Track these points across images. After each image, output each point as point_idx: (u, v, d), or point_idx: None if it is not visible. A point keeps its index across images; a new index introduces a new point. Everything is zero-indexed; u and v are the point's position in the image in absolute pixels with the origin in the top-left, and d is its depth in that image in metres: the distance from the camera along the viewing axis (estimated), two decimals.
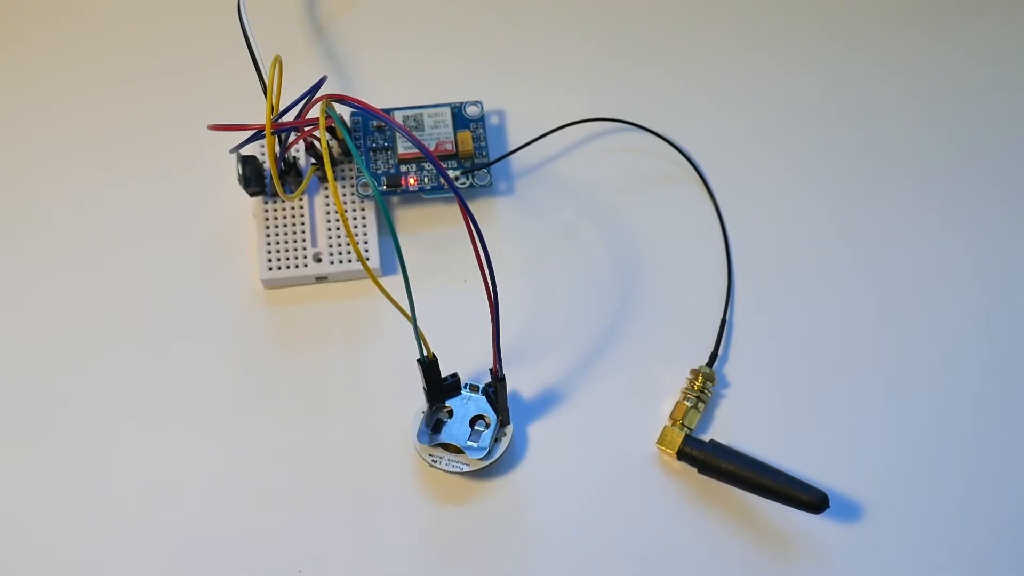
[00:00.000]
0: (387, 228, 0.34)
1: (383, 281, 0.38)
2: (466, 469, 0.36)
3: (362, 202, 0.41)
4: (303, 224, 0.40)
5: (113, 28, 0.45)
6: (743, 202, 0.42)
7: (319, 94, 0.34)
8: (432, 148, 0.41)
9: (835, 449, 0.38)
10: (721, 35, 0.46)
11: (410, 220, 0.42)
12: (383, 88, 0.44)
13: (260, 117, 0.34)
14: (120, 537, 0.36)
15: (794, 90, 0.45)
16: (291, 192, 0.39)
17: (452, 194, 0.38)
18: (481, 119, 0.42)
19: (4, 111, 0.43)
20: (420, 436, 0.37)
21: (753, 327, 0.40)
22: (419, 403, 0.37)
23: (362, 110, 0.33)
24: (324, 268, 0.39)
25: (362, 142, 0.41)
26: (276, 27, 0.45)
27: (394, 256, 0.32)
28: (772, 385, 0.39)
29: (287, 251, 0.40)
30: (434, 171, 0.41)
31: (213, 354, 0.39)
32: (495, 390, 0.36)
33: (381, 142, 0.41)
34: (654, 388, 0.39)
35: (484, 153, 0.42)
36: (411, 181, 0.41)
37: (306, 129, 0.36)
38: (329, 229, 0.40)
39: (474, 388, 0.37)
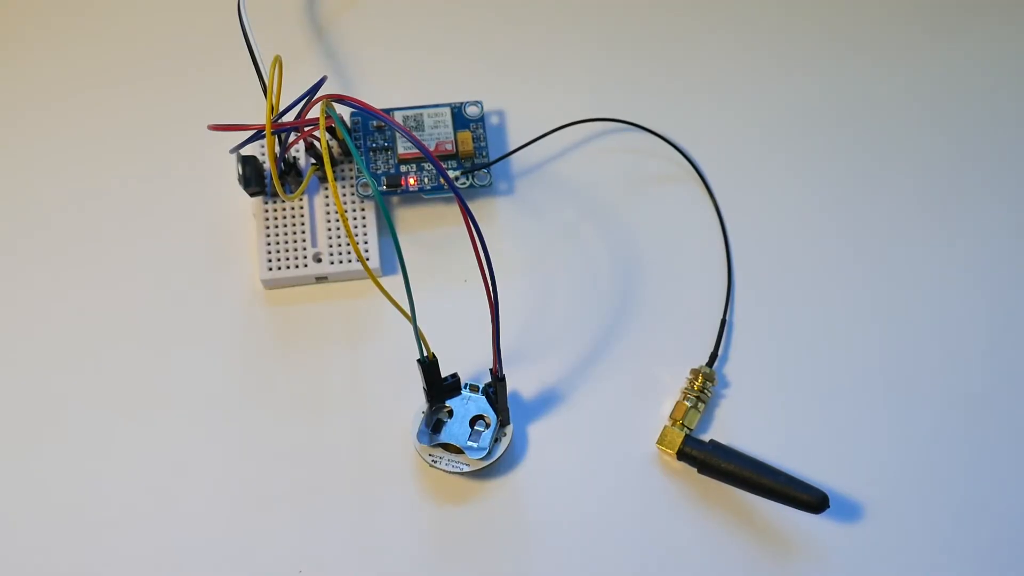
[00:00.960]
0: (387, 228, 0.34)
1: (383, 281, 0.38)
2: (466, 469, 0.36)
3: (362, 202, 0.41)
4: (303, 224, 0.40)
5: (113, 28, 0.45)
6: (743, 202, 0.42)
7: (319, 94, 0.34)
8: (432, 148, 0.41)
9: (835, 449, 0.38)
10: (721, 35, 0.46)
11: (410, 220, 0.42)
12: (383, 88, 0.44)
13: (260, 117, 0.34)
14: (120, 537, 0.36)
15: (794, 90, 0.45)
16: (291, 192, 0.39)
17: (452, 194, 0.38)
18: (481, 119, 0.42)
19: (4, 111, 0.43)
20: (420, 436, 0.37)
21: (753, 327, 0.40)
22: (419, 403, 0.37)
23: (362, 110, 0.33)
24: (324, 268, 0.39)
25: (362, 142, 0.41)
26: (276, 27, 0.45)
27: (394, 256, 0.32)
28: (772, 385, 0.39)
29: (287, 251, 0.40)
30: (434, 171, 0.41)
31: (213, 354, 0.39)
32: (495, 390, 0.36)
33: (381, 142, 0.41)
34: (654, 388, 0.39)
35: (484, 153, 0.42)
36: (411, 181, 0.41)
37: (306, 129, 0.36)
38: (329, 229, 0.40)
39: (474, 388, 0.37)
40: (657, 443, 0.37)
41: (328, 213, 0.40)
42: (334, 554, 0.36)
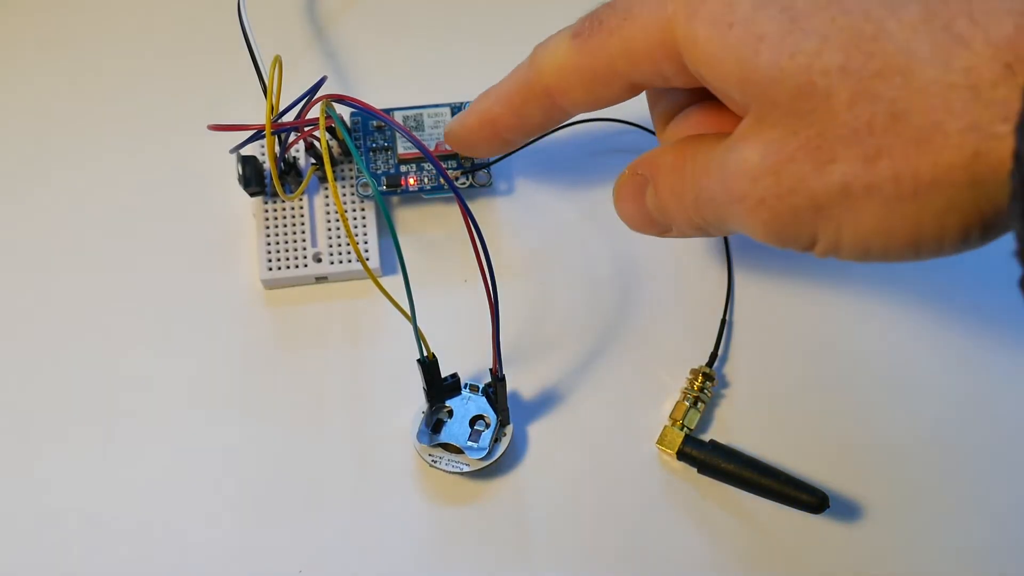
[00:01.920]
0: (387, 228, 0.34)
1: (383, 281, 0.38)
2: (466, 469, 0.36)
3: (362, 202, 0.41)
4: (303, 224, 0.40)
5: (112, 28, 0.45)
6: None
7: (319, 94, 0.34)
8: (432, 148, 0.41)
9: (835, 449, 0.38)
10: None
11: (410, 220, 0.42)
12: (383, 88, 0.44)
13: (260, 117, 0.34)
14: (119, 538, 0.36)
15: None
16: (291, 192, 0.39)
17: (452, 194, 0.38)
18: None
19: (3, 111, 0.43)
20: (420, 436, 0.37)
21: (753, 327, 0.40)
22: (419, 403, 0.37)
23: (362, 110, 0.34)
24: (324, 268, 0.40)
25: (362, 142, 0.41)
26: (276, 27, 0.45)
27: (394, 256, 0.32)
28: (772, 385, 0.39)
29: (287, 251, 0.40)
30: (434, 171, 0.41)
31: (212, 354, 0.39)
32: (495, 390, 0.36)
33: (381, 142, 0.41)
34: (654, 388, 0.39)
35: None
36: (411, 181, 0.41)
37: (306, 129, 0.36)
38: (329, 229, 0.40)
39: (474, 388, 0.37)
40: (657, 443, 0.37)
41: (328, 213, 0.40)
42: (334, 554, 0.36)
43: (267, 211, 0.40)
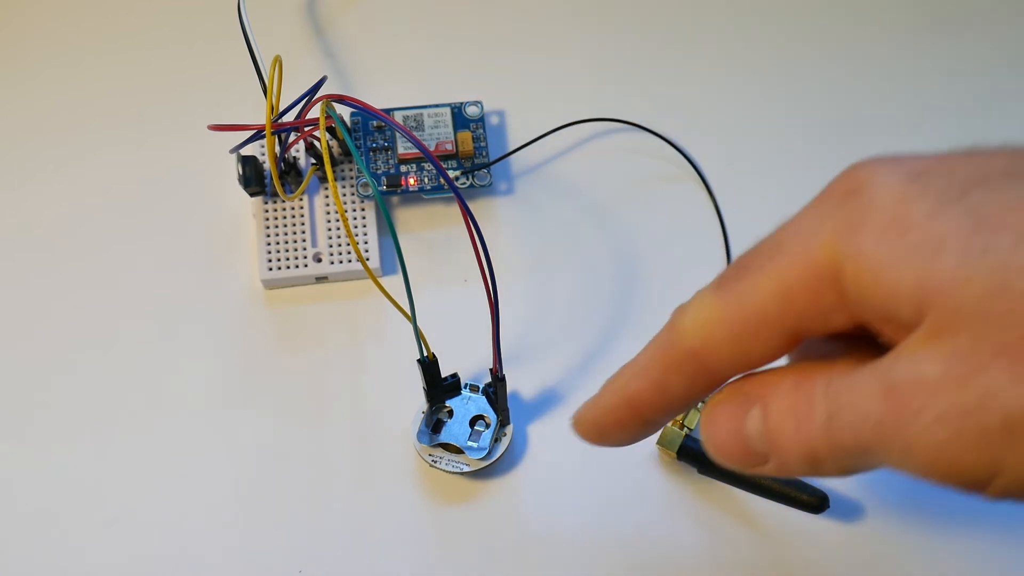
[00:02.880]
0: (387, 228, 0.34)
1: (383, 281, 0.38)
2: (466, 469, 0.36)
3: (362, 202, 0.41)
4: (303, 224, 0.40)
5: (112, 28, 0.45)
6: (743, 202, 0.42)
7: (319, 94, 0.34)
8: (432, 148, 0.41)
9: None
10: (722, 35, 0.46)
11: (410, 220, 0.42)
12: (383, 88, 0.44)
13: (260, 117, 0.34)
14: (119, 537, 0.36)
15: (795, 90, 0.45)
16: (291, 192, 0.39)
17: (452, 194, 0.38)
18: (481, 119, 0.42)
19: (3, 111, 0.43)
20: (420, 436, 0.37)
21: None
22: (419, 403, 0.37)
23: (362, 110, 0.34)
24: (324, 268, 0.40)
25: (362, 142, 0.41)
26: (276, 27, 0.45)
27: (394, 256, 0.32)
28: None
29: (287, 251, 0.40)
30: (434, 171, 0.41)
31: (213, 354, 0.39)
32: (495, 390, 0.36)
33: (381, 142, 0.41)
34: None
35: (484, 153, 0.42)
36: (411, 181, 0.41)
37: (306, 129, 0.36)
38: (329, 229, 0.40)
39: (474, 388, 0.37)
40: (657, 443, 0.37)
41: (328, 213, 0.40)
42: (334, 554, 0.36)
43: (267, 211, 0.40)
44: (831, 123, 0.44)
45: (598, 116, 0.43)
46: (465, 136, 0.41)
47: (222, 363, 0.39)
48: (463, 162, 0.41)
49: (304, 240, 0.40)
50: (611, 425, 0.28)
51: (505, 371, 0.35)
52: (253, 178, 0.39)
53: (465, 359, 0.38)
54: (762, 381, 0.25)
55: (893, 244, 0.20)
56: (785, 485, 0.36)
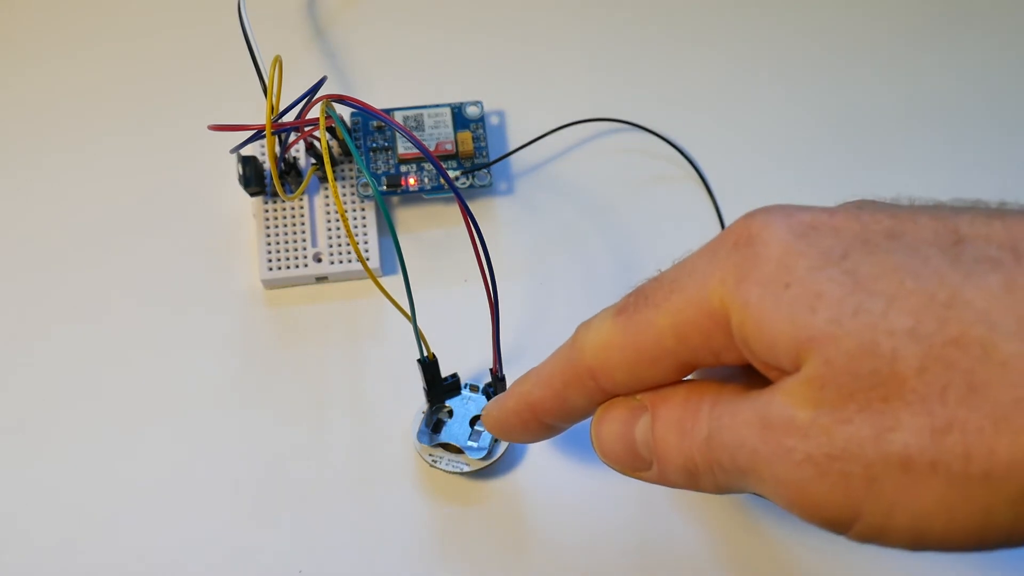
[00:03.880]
0: (387, 228, 0.34)
1: (383, 281, 0.38)
2: (466, 469, 0.36)
3: (362, 202, 0.41)
4: (303, 224, 0.40)
5: (112, 28, 0.45)
6: (743, 202, 0.42)
7: (319, 94, 0.34)
8: (432, 148, 0.41)
9: None
10: (722, 35, 0.46)
11: (410, 220, 0.42)
12: (383, 88, 0.44)
13: (260, 117, 0.34)
14: (119, 537, 0.36)
15: (795, 90, 0.45)
16: (291, 192, 0.39)
17: (452, 194, 0.38)
18: (481, 119, 0.42)
19: (3, 111, 0.43)
20: (420, 436, 0.37)
21: None
22: (419, 403, 0.37)
23: (362, 110, 0.34)
24: (324, 268, 0.40)
25: (362, 142, 0.41)
26: (276, 27, 0.45)
27: (394, 256, 0.32)
28: None
29: (287, 251, 0.40)
30: (434, 171, 0.41)
31: (212, 354, 0.39)
32: (495, 390, 0.36)
33: (381, 142, 0.41)
34: None
35: (484, 153, 0.42)
36: (411, 181, 0.41)
37: (306, 129, 0.36)
38: (329, 229, 0.40)
39: (474, 388, 0.37)
40: None
41: (328, 213, 0.40)
42: (334, 554, 0.36)
43: (267, 211, 0.40)
44: (833, 123, 0.44)
45: (598, 116, 0.43)
46: (465, 136, 0.41)
47: (222, 363, 0.39)
48: (463, 162, 0.41)
49: (304, 240, 0.40)
50: (515, 425, 0.30)
51: (505, 371, 0.35)
52: (253, 178, 0.39)
53: (465, 359, 0.38)
54: (655, 392, 0.26)
55: (776, 296, 0.21)
56: None
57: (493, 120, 0.43)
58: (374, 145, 0.41)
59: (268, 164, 0.39)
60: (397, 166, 0.41)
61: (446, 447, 0.37)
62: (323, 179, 0.41)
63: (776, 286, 0.22)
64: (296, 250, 0.40)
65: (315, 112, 0.33)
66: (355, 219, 0.40)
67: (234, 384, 0.39)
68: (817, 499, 0.21)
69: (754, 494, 0.24)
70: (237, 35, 0.38)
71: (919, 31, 0.46)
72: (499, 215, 0.42)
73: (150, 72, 0.44)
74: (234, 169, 0.40)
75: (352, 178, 0.41)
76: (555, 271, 0.41)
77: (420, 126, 0.42)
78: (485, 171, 0.41)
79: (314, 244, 0.40)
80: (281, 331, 0.40)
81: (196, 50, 0.45)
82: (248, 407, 0.38)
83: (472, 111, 0.42)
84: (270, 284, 0.40)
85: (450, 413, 0.37)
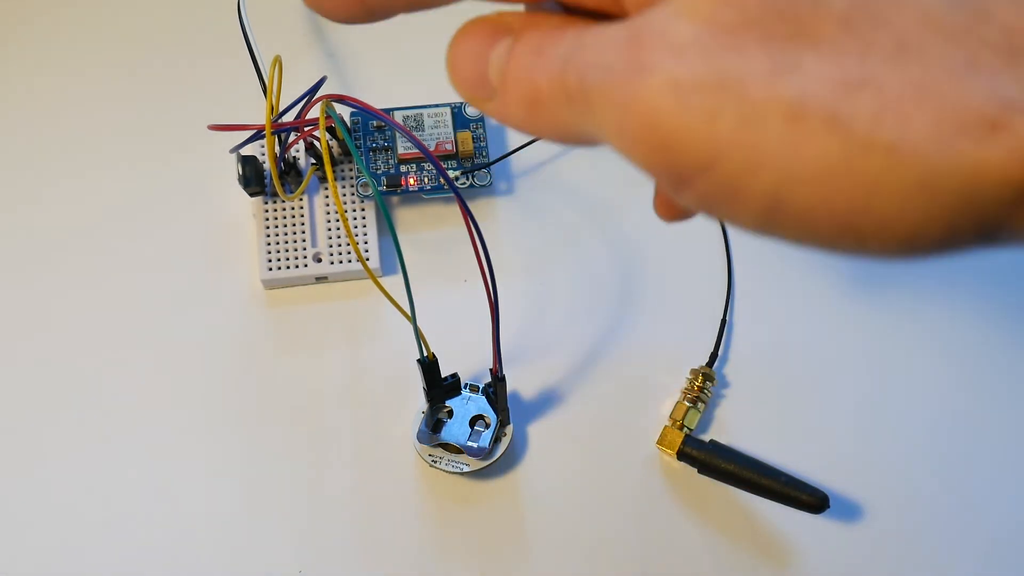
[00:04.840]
0: (387, 228, 0.34)
1: (383, 281, 0.38)
2: (466, 469, 0.36)
3: (362, 202, 0.41)
4: (303, 224, 0.40)
5: (112, 27, 0.45)
6: None
7: (319, 94, 0.34)
8: (432, 148, 0.41)
9: (835, 449, 0.38)
10: None
11: (410, 220, 0.42)
12: (383, 88, 0.44)
13: (260, 117, 0.34)
14: (119, 538, 0.36)
15: None
16: (291, 192, 0.39)
17: (452, 194, 0.38)
18: (481, 119, 0.42)
19: (2, 111, 0.43)
20: (420, 436, 0.37)
21: (753, 327, 0.40)
22: (419, 403, 0.37)
23: (362, 110, 0.34)
24: (324, 268, 0.40)
25: (362, 142, 0.41)
26: (276, 27, 0.45)
27: (394, 256, 0.32)
28: (772, 385, 0.39)
29: (287, 251, 0.40)
30: (434, 171, 0.41)
31: (213, 354, 0.39)
32: (495, 390, 0.36)
33: (381, 142, 0.41)
34: (654, 388, 0.39)
35: (484, 153, 0.42)
36: (411, 181, 0.41)
37: (306, 129, 0.36)
38: (329, 229, 0.40)
39: (474, 388, 0.37)
40: (657, 443, 0.37)
41: (328, 213, 0.40)
42: (334, 554, 0.36)
43: (267, 211, 0.40)
44: None
45: None
46: (465, 136, 0.41)
47: (222, 363, 0.39)
48: (463, 162, 0.41)
49: (304, 240, 0.40)
50: None
51: (505, 371, 0.35)
52: (253, 178, 0.39)
53: (465, 359, 0.38)
54: (530, 17, 0.22)
55: None
56: (785, 485, 0.36)
57: (493, 120, 0.43)
58: (374, 145, 0.41)
59: (268, 164, 0.39)
60: (397, 166, 0.41)
61: (446, 447, 0.37)
62: (323, 179, 0.41)
63: None
64: (296, 250, 0.40)
65: (315, 112, 0.33)
66: (355, 219, 0.40)
67: (233, 384, 0.39)
68: (667, 135, 0.17)
69: (596, 145, 0.20)
70: (237, 35, 0.38)
71: None
72: (499, 215, 0.42)
73: (150, 72, 0.44)
74: (234, 169, 0.40)
75: (352, 178, 0.41)
76: (555, 271, 0.41)
77: (420, 126, 0.42)
78: (485, 171, 0.41)
79: (314, 244, 0.40)
80: (281, 331, 0.40)
81: (196, 50, 0.45)
82: (248, 407, 0.38)
83: (472, 111, 0.42)
84: (270, 284, 0.40)
85: (450, 413, 0.37)
